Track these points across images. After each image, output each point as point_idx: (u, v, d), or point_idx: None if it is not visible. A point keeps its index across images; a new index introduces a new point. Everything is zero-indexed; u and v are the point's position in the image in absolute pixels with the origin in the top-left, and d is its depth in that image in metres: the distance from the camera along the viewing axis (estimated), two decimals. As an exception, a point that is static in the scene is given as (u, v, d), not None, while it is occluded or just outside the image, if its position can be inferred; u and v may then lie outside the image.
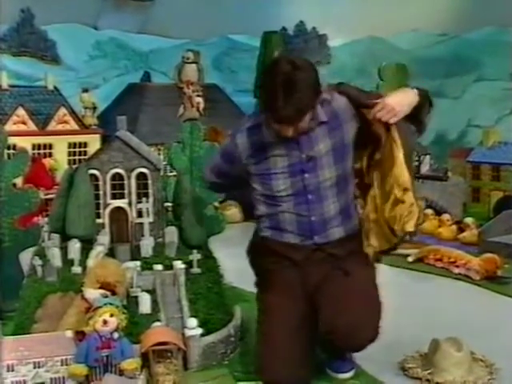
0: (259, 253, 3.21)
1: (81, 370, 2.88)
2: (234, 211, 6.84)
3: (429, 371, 3.20)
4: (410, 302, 4.19)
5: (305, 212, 2.99)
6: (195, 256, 3.69)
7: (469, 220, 6.10)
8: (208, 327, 3.35)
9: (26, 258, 3.94)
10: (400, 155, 2.90)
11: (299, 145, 2.93)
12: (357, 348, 3.07)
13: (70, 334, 3.02)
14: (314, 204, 2.98)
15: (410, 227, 2.91)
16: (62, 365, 2.93)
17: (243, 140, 3.02)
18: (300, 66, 2.75)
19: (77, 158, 7.21)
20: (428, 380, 3.17)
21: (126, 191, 3.76)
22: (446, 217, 6.36)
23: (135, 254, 3.68)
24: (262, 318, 3.14)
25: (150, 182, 3.78)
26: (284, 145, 2.94)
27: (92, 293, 3.14)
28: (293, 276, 3.05)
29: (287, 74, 2.72)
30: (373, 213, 3.03)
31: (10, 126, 6.56)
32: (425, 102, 2.99)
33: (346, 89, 3.03)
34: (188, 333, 3.23)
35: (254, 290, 3.31)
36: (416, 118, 2.98)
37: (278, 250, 3.08)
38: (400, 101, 2.91)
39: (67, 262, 3.57)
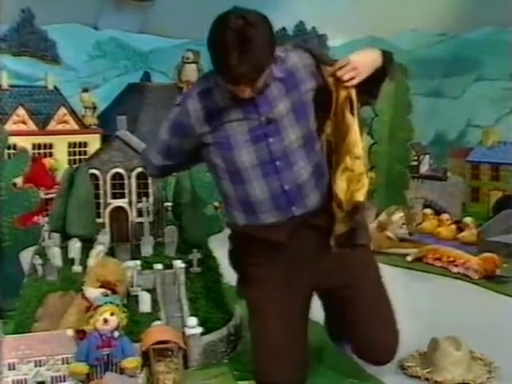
0: (239, 245, 3.05)
1: (81, 368, 2.89)
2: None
3: (428, 370, 3.21)
4: (409, 302, 4.18)
5: (276, 182, 2.74)
6: (195, 255, 3.70)
7: (468, 220, 6.12)
8: (208, 326, 3.36)
9: (27, 257, 3.96)
10: (355, 123, 2.69)
11: (257, 107, 2.67)
12: (390, 360, 3.10)
13: (70, 332, 3.03)
14: (284, 171, 2.73)
15: (359, 196, 2.67)
16: (62, 363, 2.94)
17: (195, 106, 2.71)
18: (253, 20, 2.47)
19: (77, 157, 7.22)
20: (427, 379, 3.18)
21: (126, 191, 3.77)
22: (445, 216, 6.37)
23: (135, 253, 3.69)
24: (253, 317, 3.01)
25: (150, 181, 3.79)
26: (240, 108, 2.67)
27: (92, 292, 3.15)
28: (282, 269, 2.88)
29: (239, 29, 2.44)
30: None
31: (10, 126, 6.58)
32: (388, 65, 2.79)
33: (307, 46, 2.83)
34: (188, 332, 3.24)
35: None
36: (374, 81, 2.76)
37: (256, 236, 2.85)
38: (364, 59, 2.70)
39: (67, 261, 3.58)
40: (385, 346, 3.04)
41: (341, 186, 2.72)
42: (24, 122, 6.95)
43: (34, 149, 6.84)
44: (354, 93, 2.69)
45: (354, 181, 2.69)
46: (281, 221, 2.82)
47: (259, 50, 2.46)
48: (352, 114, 2.70)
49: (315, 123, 2.81)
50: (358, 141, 2.70)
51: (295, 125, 2.73)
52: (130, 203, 3.78)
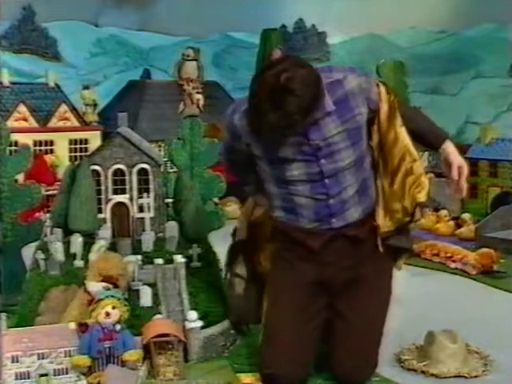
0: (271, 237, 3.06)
1: (84, 361, 2.94)
2: (234, 207, 6.89)
3: (424, 363, 3.24)
4: (407, 296, 4.22)
5: (323, 196, 2.79)
6: (195, 250, 3.74)
7: (466, 216, 6.16)
8: (208, 320, 3.40)
9: (29, 252, 3.99)
10: (403, 129, 2.83)
11: (306, 135, 2.66)
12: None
13: (73, 326, 3.07)
14: (333, 188, 2.79)
15: (421, 197, 2.81)
16: (65, 356, 2.98)
17: (242, 123, 2.73)
18: (295, 74, 2.46)
19: (78, 154, 7.25)
20: (423, 372, 3.21)
21: (127, 187, 3.82)
22: (443, 213, 6.41)
23: (136, 248, 3.73)
24: (270, 309, 3.03)
25: (150, 177, 3.83)
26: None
27: (94, 286, 3.19)
28: (307, 268, 2.92)
29: (278, 85, 2.45)
30: (379, 193, 2.93)
31: (11, 123, 6.60)
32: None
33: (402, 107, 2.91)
34: (188, 325, 3.28)
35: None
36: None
37: (292, 236, 2.92)
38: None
39: (70, 256, 3.62)
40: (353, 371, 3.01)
41: (403, 190, 2.86)
42: (25, 119, 6.99)
43: (35, 146, 6.87)
44: (396, 104, 2.82)
45: (415, 183, 2.83)
46: (318, 229, 2.88)
47: (295, 106, 2.46)
48: (398, 121, 2.83)
49: (365, 141, 2.86)
50: (410, 144, 2.84)
51: (350, 148, 2.76)
52: (131, 199, 3.82)
